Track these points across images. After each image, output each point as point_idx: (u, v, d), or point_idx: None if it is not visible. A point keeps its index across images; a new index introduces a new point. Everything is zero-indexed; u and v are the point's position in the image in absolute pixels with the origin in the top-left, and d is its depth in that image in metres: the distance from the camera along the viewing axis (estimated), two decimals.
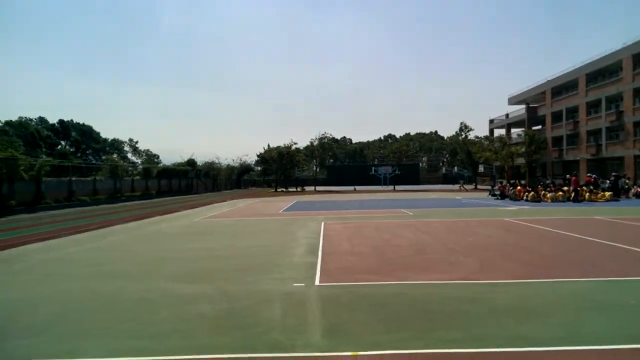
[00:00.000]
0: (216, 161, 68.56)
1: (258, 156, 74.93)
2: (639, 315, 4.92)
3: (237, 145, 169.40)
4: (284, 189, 57.76)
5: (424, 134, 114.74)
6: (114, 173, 38.25)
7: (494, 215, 17.18)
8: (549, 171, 48.99)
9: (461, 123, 54.19)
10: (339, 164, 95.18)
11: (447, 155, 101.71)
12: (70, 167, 36.00)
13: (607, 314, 4.98)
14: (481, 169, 57.26)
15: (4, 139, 37.94)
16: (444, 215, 17.49)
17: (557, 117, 48.31)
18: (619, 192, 26.50)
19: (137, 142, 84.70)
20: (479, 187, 52.60)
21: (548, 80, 49.28)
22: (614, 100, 39.39)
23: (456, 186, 54.14)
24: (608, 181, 28.19)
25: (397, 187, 56.04)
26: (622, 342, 4.10)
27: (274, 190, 56.95)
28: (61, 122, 71.30)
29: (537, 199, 24.70)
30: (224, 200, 34.21)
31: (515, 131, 59.08)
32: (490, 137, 59.43)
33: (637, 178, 34.61)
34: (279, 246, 10.40)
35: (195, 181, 57.69)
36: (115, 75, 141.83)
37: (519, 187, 27.41)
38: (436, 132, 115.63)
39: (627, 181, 28.77)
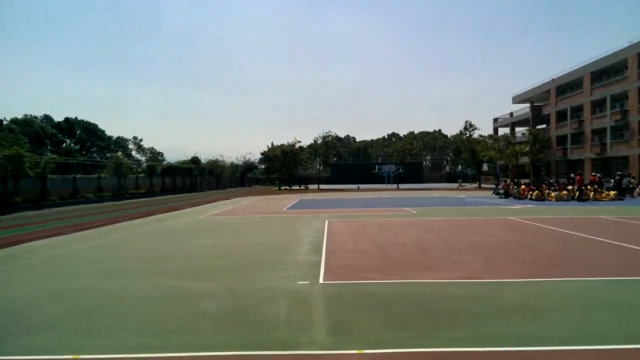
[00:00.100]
0: (220, 159, 68.78)
1: (262, 154, 74.92)
2: None
3: (241, 143, 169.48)
4: (287, 187, 57.84)
5: (428, 133, 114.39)
6: (119, 171, 38.44)
7: (498, 214, 17.14)
8: (553, 170, 48.74)
9: (466, 122, 54.08)
10: (343, 163, 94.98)
11: (450, 154, 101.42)
12: (75, 165, 36.21)
13: (613, 313, 4.96)
14: (485, 167, 57.08)
15: (9, 136, 38.21)
16: (447, 214, 17.46)
17: (561, 116, 48.03)
18: (623, 191, 26.36)
19: (141, 140, 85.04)
20: (482, 185, 52.49)
21: (553, 79, 48.99)
22: (619, 99, 39.10)
23: (455, 185, 53.96)
24: (612, 180, 28.05)
25: (401, 186, 55.99)
26: (629, 342, 4.08)
27: (277, 188, 57.01)
28: (67, 119, 71.54)
29: (541, 198, 24.61)
30: (228, 198, 34.28)
31: (519, 130, 58.76)
32: (494, 136, 59.20)
33: None
34: (283, 244, 10.42)
35: (199, 179, 57.82)
36: (117, 74, 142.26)
37: (523, 186, 27.33)
38: (440, 130, 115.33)
39: (631, 180, 28.57)
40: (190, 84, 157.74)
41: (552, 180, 30.99)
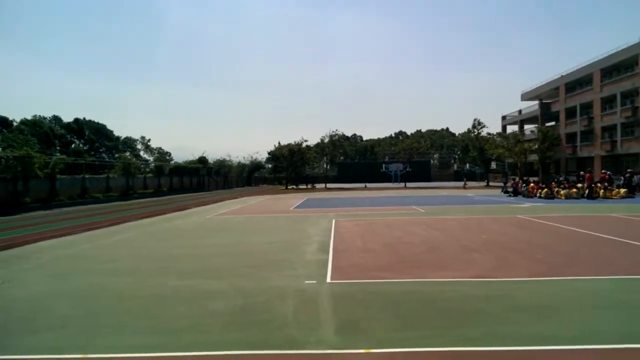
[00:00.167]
0: (227, 159, 69.01)
1: (269, 154, 75.06)
2: None
3: (248, 143, 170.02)
4: (294, 186, 57.87)
5: (435, 131, 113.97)
6: (127, 171, 38.66)
7: (507, 213, 16.99)
8: (563, 168, 48.24)
9: (474, 119, 53.77)
10: (350, 161, 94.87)
11: (458, 152, 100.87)
12: (83, 165, 36.49)
13: (625, 312, 4.89)
14: (493, 165, 56.66)
15: (19, 137, 38.58)
16: (456, 213, 17.34)
17: (571, 113, 47.50)
18: (633, 189, 26.04)
19: (149, 140, 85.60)
20: (490, 184, 52.10)
21: (562, 76, 48.44)
22: (630, 96, 38.58)
23: (460, 183, 53.58)
24: (623, 178, 27.70)
25: (408, 185, 55.78)
26: None
27: (284, 187, 57.05)
28: (76, 120, 72.11)
29: (550, 196, 24.38)
30: (235, 198, 34.36)
31: (528, 127, 58.19)
32: (503, 134, 58.75)
33: None
34: (291, 243, 10.40)
35: (207, 178, 58.01)
36: (124, 74, 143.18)
37: (532, 184, 27.09)
38: (447, 128, 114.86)
39: None
40: (198, 83, 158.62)
41: (561, 178, 30.70)
